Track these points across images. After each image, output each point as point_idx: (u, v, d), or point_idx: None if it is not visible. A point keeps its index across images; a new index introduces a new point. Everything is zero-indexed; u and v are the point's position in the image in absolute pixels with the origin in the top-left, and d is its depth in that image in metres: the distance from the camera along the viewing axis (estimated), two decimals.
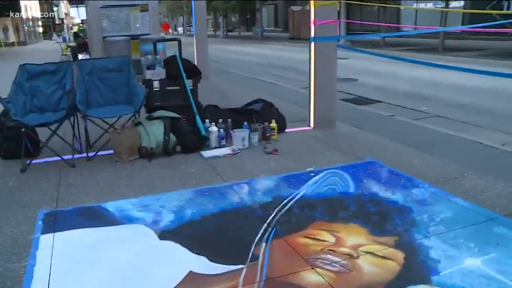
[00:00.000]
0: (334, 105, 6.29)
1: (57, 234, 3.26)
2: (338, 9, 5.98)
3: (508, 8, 19.91)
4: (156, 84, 5.30)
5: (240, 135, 5.16)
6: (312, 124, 6.20)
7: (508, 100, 8.36)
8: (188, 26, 54.52)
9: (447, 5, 20.26)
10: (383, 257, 2.89)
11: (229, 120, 5.44)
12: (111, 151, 4.89)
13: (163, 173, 4.44)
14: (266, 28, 42.75)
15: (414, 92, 9.64)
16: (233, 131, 5.22)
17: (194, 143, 5.03)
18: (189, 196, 3.89)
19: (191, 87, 5.45)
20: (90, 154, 4.86)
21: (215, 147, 5.17)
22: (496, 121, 6.93)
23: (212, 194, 3.92)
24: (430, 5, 27.96)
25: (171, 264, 2.85)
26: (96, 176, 4.39)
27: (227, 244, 3.09)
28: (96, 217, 3.51)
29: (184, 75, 5.35)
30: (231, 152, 5.01)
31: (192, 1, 10.81)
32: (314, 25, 5.77)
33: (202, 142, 5.13)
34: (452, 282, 2.62)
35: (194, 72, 5.54)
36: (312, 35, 5.85)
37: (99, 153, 4.90)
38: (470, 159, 4.87)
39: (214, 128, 5.20)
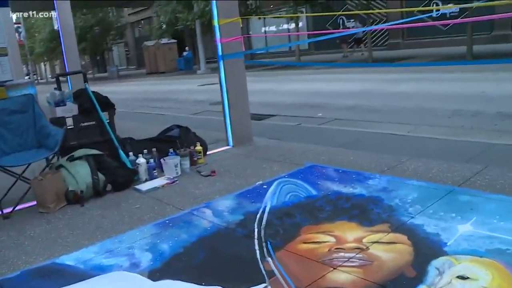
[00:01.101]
0: (249, 121, 6.31)
1: None
2: (241, 25, 6.04)
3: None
4: (69, 122, 4.72)
5: (173, 163, 4.86)
6: (231, 143, 6.11)
7: (385, 99, 9.28)
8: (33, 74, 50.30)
9: (297, 25, 22.00)
10: (390, 243, 2.91)
11: (154, 149, 5.08)
12: (32, 203, 4.20)
13: (107, 214, 3.94)
14: (120, 67, 41.59)
15: (301, 103, 10.15)
16: (164, 160, 4.88)
17: (125, 178, 4.58)
18: (153, 231, 3.50)
19: (108, 120, 4.98)
20: (5, 211, 4.10)
21: (146, 180, 4.77)
22: (387, 116, 7.61)
23: (176, 224, 3.59)
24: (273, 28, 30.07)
25: None
26: (27, 232, 3.72)
27: (230, 268, 2.83)
28: (57, 276, 2.93)
29: (98, 108, 4.86)
30: (168, 181, 4.67)
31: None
32: (221, 43, 5.73)
33: (133, 176, 4.70)
34: (463, 248, 2.75)
35: (107, 104, 5.08)
36: (220, 53, 5.80)
37: (17, 207, 4.17)
38: (395, 148, 5.25)
39: (142, 160, 4.81)
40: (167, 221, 3.66)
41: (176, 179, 4.74)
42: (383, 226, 3.17)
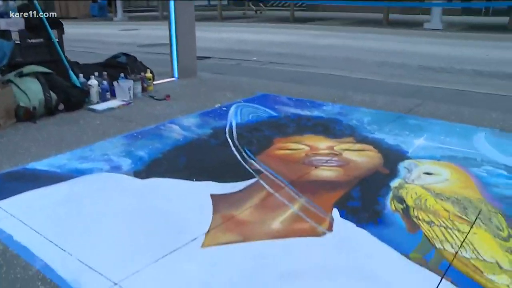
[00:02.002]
0: (195, 55, 6.30)
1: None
2: None
3: None
4: (15, 36, 4.37)
5: (126, 85, 4.75)
6: (177, 75, 6.08)
7: (315, 49, 9.66)
8: None
9: None
10: (359, 150, 3.21)
11: (105, 73, 4.92)
12: None
13: (67, 130, 3.79)
14: None
15: (232, 49, 10.18)
16: (118, 82, 4.76)
17: (78, 98, 4.41)
18: (124, 141, 3.48)
19: (57, 39, 4.69)
20: None
21: (98, 102, 4.63)
22: (321, 63, 7.96)
23: (146, 136, 3.60)
24: None
25: (184, 194, 2.56)
26: None
27: (216, 168, 2.93)
28: (33, 179, 2.81)
29: (48, 25, 4.55)
30: (123, 102, 4.59)
31: None
32: None
33: (85, 97, 4.54)
34: (422, 154, 3.13)
35: (56, 22, 4.76)
36: None
37: None
38: (338, 84, 5.59)
39: (94, 82, 4.64)
40: (135, 134, 3.64)
41: (131, 101, 4.66)
42: (348, 139, 3.46)
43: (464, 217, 2.26)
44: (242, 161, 3.01)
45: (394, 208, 2.35)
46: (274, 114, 4.17)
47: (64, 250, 1.97)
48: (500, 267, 1.86)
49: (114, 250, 1.98)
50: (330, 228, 2.14)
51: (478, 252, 1.96)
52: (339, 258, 1.90)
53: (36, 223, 2.20)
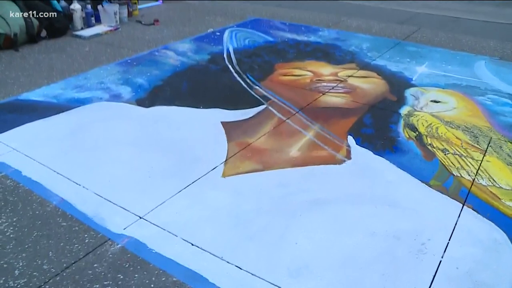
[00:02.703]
0: None
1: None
2: None
3: None
4: None
5: (112, 10, 4.44)
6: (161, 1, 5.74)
7: None
8: None
9: None
10: (363, 77, 3.16)
11: None
12: None
13: (55, 58, 3.56)
14: None
15: None
16: (103, 6, 4.44)
17: (62, 24, 4.12)
18: (119, 69, 3.31)
19: None
20: None
21: (82, 28, 4.34)
22: None
23: (141, 63, 3.43)
24: None
25: (193, 122, 2.47)
26: None
27: (220, 94, 2.85)
28: (29, 110, 2.64)
29: None
30: (110, 28, 4.32)
31: None
32: None
33: (69, 23, 4.24)
34: (426, 82, 3.11)
35: None
36: None
37: None
38: (331, 9, 5.40)
39: (77, 6, 4.29)
40: (129, 61, 3.46)
41: (118, 26, 4.39)
42: (351, 65, 3.39)
43: (476, 145, 2.29)
44: (247, 87, 2.93)
45: (407, 136, 2.34)
46: (270, 39, 4.02)
47: (79, 184, 1.89)
48: None
49: (131, 182, 1.92)
50: (348, 156, 2.13)
51: (494, 180, 2.00)
52: (362, 185, 1.91)
53: (43, 157, 2.09)
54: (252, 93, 2.84)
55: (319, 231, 1.61)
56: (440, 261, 1.50)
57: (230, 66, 3.29)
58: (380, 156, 2.15)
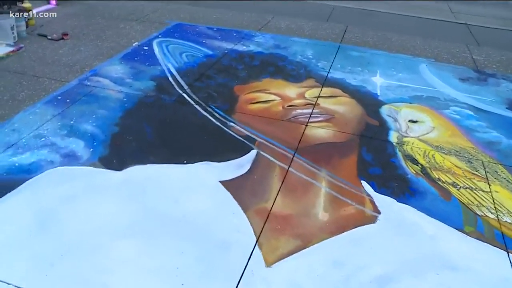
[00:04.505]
0: None
1: None
2: None
3: None
4: None
5: (8, 24, 3.68)
6: (54, 2, 4.96)
7: None
8: None
9: None
10: (331, 96, 3.04)
11: None
12: None
13: None
14: None
15: None
16: None
17: None
18: (51, 111, 2.73)
19: None
20: None
21: None
22: None
23: (76, 99, 2.88)
24: None
25: (187, 187, 2.11)
26: None
27: (198, 140, 2.49)
28: None
29: None
30: (12, 48, 3.58)
31: None
32: None
33: None
34: (392, 97, 3.12)
35: None
36: None
37: None
38: (252, 8, 5.15)
39: None
40: (59, 97, 2.86)
41: (21, 45, 3.65)
42: (310, 81, 3.24)
43: (476, 173, 2.32)
44: (220, 125, 2.62)
45: (414, 171, 2.29)
46: (209, 52, 3.68)
47: None
48: None
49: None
50: (375, 209, 2.00)
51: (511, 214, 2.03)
52: (409, 247, 1.81)
53: (8, 274, 1.58)
54: (231, 133, 2.53)
55: None
56: None
57: (185, 96, 2.92)
58: (405, 203, 2.06)
